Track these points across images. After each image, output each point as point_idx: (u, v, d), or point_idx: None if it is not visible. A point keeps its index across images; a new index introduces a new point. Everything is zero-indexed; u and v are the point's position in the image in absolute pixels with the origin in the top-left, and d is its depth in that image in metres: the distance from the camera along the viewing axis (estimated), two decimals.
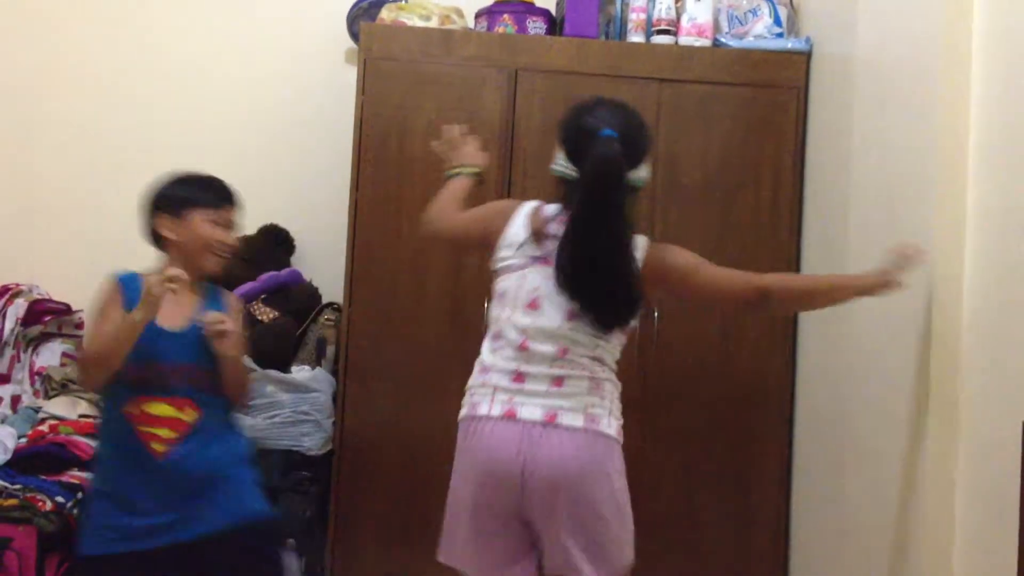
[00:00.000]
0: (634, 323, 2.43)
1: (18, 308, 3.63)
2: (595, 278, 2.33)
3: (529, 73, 3.48)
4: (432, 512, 3.39)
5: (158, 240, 2.68)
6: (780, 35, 3.61)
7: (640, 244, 2.40)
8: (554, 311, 2.35)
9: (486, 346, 2.43)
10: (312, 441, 3.47)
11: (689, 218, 3.50)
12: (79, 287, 3.81)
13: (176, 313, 2.59)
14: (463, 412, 2.41)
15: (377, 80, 3.46)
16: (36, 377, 3.64)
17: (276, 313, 3.66)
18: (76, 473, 3.25)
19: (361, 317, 3.44)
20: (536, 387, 2.34)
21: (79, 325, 3.79)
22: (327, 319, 3.67)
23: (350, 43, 3.86)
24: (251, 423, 3.43)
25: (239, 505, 2.57)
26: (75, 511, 3.15)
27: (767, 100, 3.52)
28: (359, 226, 3.45)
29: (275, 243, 3.83)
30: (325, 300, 3.77)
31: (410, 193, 3.44)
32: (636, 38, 3.59)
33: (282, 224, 3.85)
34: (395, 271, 3.45)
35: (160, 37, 4.00)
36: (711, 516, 3.48)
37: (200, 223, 2.63)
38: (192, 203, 2.64)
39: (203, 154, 3.88)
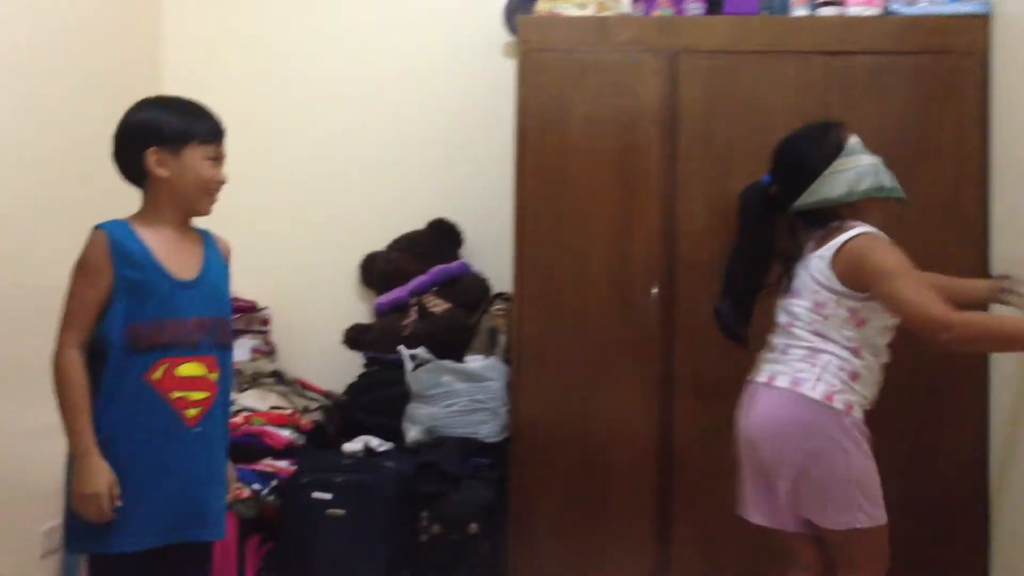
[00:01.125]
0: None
1: None
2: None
3: (689, 55, 3.43)
4: (606, 495, 3.46)
5: (140, 177, 2.31)
6: None
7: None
8: (788, 292, 2.75)
9: None
10: (488, 429, 3.55)
11: None
12: (263, 285, 4.03)
13: (187, 262, 2.33)
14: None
15: (536, 71, 3.47)
16: None
17: (448, 305, 3.76)
18: (270, 461, 3.44)
19: (530, 306, 3.48)
20: (769, 354, 2.75)
21: (264, 321, 3.98)
22: (498, 309, 3.74)
23: (508, 36, 3.89)
24: (429, 412, 3.55)
25: (220, 526, 2.38)
26: (270, 498, 3.34)
27: (945, 68, 3.35)
28: (524, 216, 3.48)
29: (443, 237, 3.91)
30: (494, 290, 3.84)
31: (572, 181, 3.46)
32: (800, 11, 3.47)
33: (449, 218, 3.93)
34: (560, 259, 3.47)
35: (321, 36, 4.11)
36: (903, 503, 3.36)
37: (200, 160, 2.30)
38: (190, 136, 2.29)
39: (365, 150, 4.05)
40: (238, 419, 3.50)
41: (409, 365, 3.64)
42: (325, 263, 4.06)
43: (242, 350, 3.87)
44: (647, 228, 3.43)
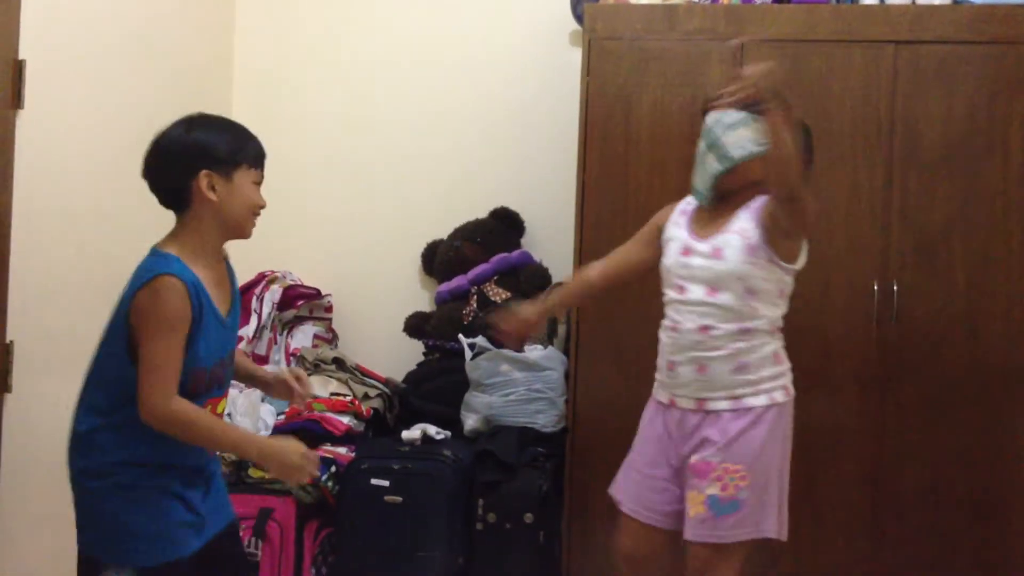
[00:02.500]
0: None
1: (274, 294, 3.85)
2: None
3: (756, 44, 3.38)
4: None
5: (182, 199, 2.20)
6: None
7: None
8: None
9: (779, 337, 2.61)
10: (546, 418, 3.55)
11: (930, 188, 3.33)
12: (327, 272, 4.07)
13: (223, 296, 2.27)
14: (792, 390, 2.61)
15: (601, 60, 3.47)
16: (291, 358, 3.86)
17: (508, 294, 3.77)
18: (330, 448, 3.46)
19: None
20: None
21: (328, 308, 4.01)
22: None
23: (574, 25, 3.89)
24: (487, 401, 3.55)
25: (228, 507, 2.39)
26: (330, 483, 3.36)
27: (1016, 58, 3.29)
28: (587, 206, 3.47)
29: (505, 225, 3.92)
30: (555, 280, 3.83)
31: (636, 171, 3.45)
32: (869, 0, 3.44)
33: (512, 206, 3.94)
34: None
35: (388, 27, 4.14)
36: (959, 499, 3.32)
37: (248, 185, 2.22)
38: (241, 159, 2.20)
39: (429, 139, 4.07)
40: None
41: (468, 354, 3.65)
42: (388, 251, 4.09)
43: (305, 336, 3.92)
44: None
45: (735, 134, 2.51)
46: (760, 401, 2.51)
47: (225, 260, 2.35)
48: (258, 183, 2.26)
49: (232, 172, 2.19)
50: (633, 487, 2.71)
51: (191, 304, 2.10)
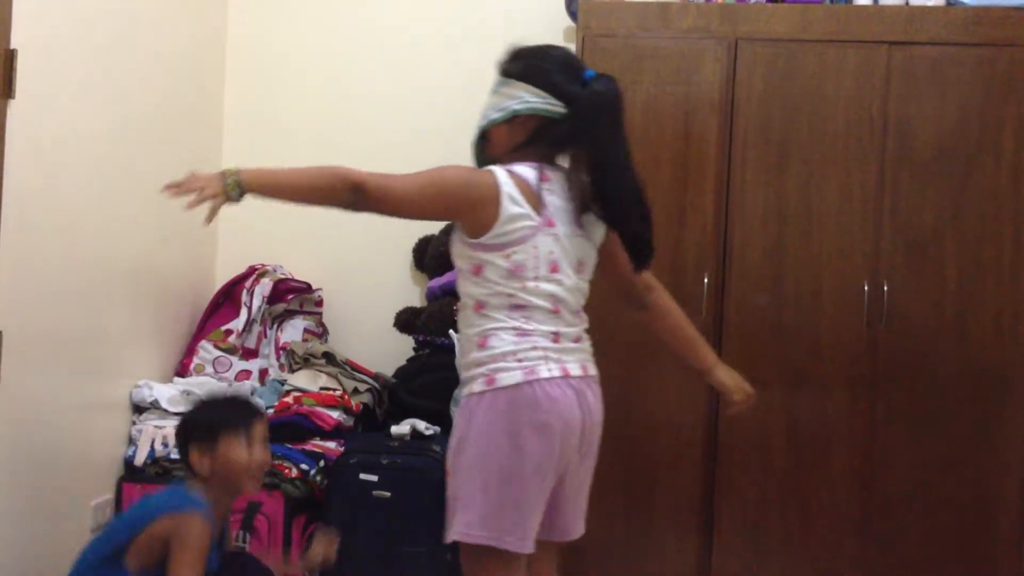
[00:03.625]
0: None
1: (264, 287, 3.84)
2: (645, 203, 2.40)
3: (749, 43, 3.41)
4: (651, 485, 3.45)
5: (191, 468, 2.56)
6: None
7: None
8: (569, 269, 2.35)
9: (506, 315, 2.28)
10: None
11: (922, 189, 3.35)
12: (317, 266, 4.06)
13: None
14: (510, 378, 2.23)
15: (595, 57, 3.46)
16: (281, 352, 3.84)
17: None
18: (318, 442, 3.45)
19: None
20: (569, 344, 2.36)
21: (318, 303, 4.00)
22: None
23: (568, 22, 3.88)
24: None
25: None
26: (318, 478, 3.36)
27: (1009, 60, 3.31)
28: None
29: None
30: None
31: None
32: (863, 0, 3.44)
33: None
34: None
35: (381, 19, 4.13)
36: (947, 500, 3.34)
37: (234, 447, 2.52)
38: (219, 428, 2.53)
39: (425, 134, 4.05)
40: (288, 399, 3.53)
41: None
42: (379, 246, 4.07)
43: (295, 330, 3.90)
44: (701, 217, 3.42)
45: (488, 102, 2.44)
46: (464, 390, 2.31)
47: (225, 519, 2.65)
48: (251, 441, 2.54)
49: (216, 442, 2.52)
50: None
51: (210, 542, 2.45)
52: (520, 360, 2.26)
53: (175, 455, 3.30)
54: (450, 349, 3.67)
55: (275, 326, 3.92)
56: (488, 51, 4.01)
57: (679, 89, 3.42)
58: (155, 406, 3.42)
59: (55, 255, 3.00)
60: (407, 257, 4.03)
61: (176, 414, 3.41)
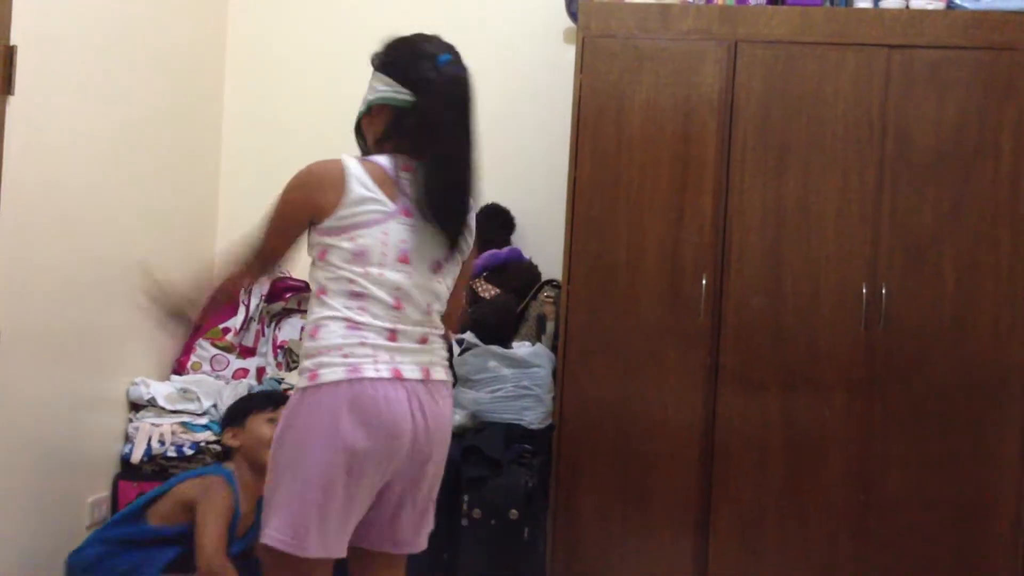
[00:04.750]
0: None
1: (262, 286, 3.84)
2: (465, 201, 2.28)
3: (749, 45, 3.41)
4: (648, 484, 3.45)
5: (229, 453, 2.99)
6: None
7: None
8: (422, 265, 2.23)
9: (343, 304, 2.16)
10: (533, 415, 3.54)
11: (920, 191, 3.35)
12: None
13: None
14: (333, 375, 2.11)
15: (595, 58, 3.47)
16: (278, 350, 3.84)
17: (497, 290, 3.76)
18: None
19: (580, 294, 3.47)
20: (409, 344, 2.20)
21: None
22: (547, 296, 3.73)
23: (568, 22, 3.89)
24: (475, 397, 3.54)
25: None
26: None
27: (1008, 64, 3.31)
28: (578, 204, 3.47)
29: (496, 222, 3.91)
30: (544, 277, 3.83)
31: (628, 169, 3.45)
32: (863, 3, 3.44)
33: (502, 203, 3.93)
34: (613, 248, 3.46)
35: (381, 19, 4.09)
36: (944, 503, 3.34)
37: (260, 424, 2.92)
38: (249, 410, 2.97)
39: None
40: None
41: (456, 349, 3.64)
42: None
43: (292, 329, 3.89)
44: (700, 218, 3.41)
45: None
46: (300, 382, 2.18)
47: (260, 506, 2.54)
48: (275, 420, 2.70)
49: (244, 421, 2.95)
50: None
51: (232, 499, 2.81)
52: (346, 356, 2.13)
53: (172, 453, 3.31)
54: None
55: (273, 324, 3.92)
56: (488, 52, 4.06)
57: (679, 90, 3.42)
58: (152, 404, 3.42)
59: (53, 251, 3.00)
60: None
61: (173, 411, 3.41)
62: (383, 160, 2.25)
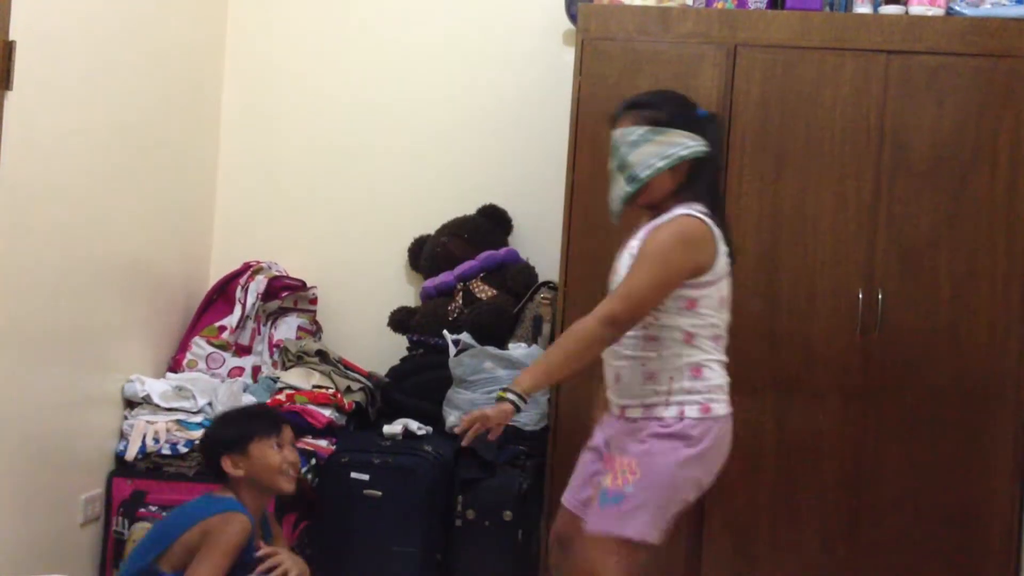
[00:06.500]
0: None
1: (259, 284, 3.83)
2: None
3: (748, 49, 3.41)
4: None
5: (224, 476, 2.75)
6: (1021, 1, 3.38)
7: None
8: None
9: (713, 347, 2.54)
10: (528, 417, 3.54)
11: (917, 197, 3.35)
12: (312, 264, 4.06)
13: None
14: (720, 410, 2.52)
15: (594, 60, 3.47)
16: (274, 349, 3.84)
17: (494, 291, 3.77)
18: (310, 440, 3.45)
19: (576, 295, 3.46)
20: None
21: (313, 300, 4.00)
22: (543, 298, 3.73)
23: (568, 25, 3.89)
24: (470, 397, 3.55)
25: None
26: (309, 476, 3.36)
27: (1006, 71, 3.31)
28: (575, 206, 3.47)
29: (493, 223, 3.92)
30: (541, 279, 3.84)
31: None
32: (863, 9, 3.44)
33: (500, 204, 3.94)
34: (610, 250, 3.41)
35: (381, 19, 4.12)
36: (938, 509, 3.34)
37: (269, 451, 2.75)
38: (250, 435, 2.74)
39: (419, 134, 4.06)
40: (281, 397, 3.53)
41: (452, 350, 3.64)
42: (374, 245, 4.08)
43: (288, 328, 3.90)
44: None
45: (639, 152, 2.52)
46: (671, 412, 2.48)
47: (264, 520, 2.83)
48: (281, 444, 2.77)
49: (247, 448, 2.72)
50: (572, 478, 2.76)
51: (247, 541, 2.61)
52: (727, 394, 2.55)
53: (166, 450, 3.30)
54: (443, 349, 3.67)
55: (269, 323, 3.92)
56: (487, 54, 4.08)
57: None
58: (147, 401, 3.42)
59: (49, 248, 3.00)
60: (402, 257, 4.03)
61: (168, 409, 3.41)
62: (709, 215, 2.52)
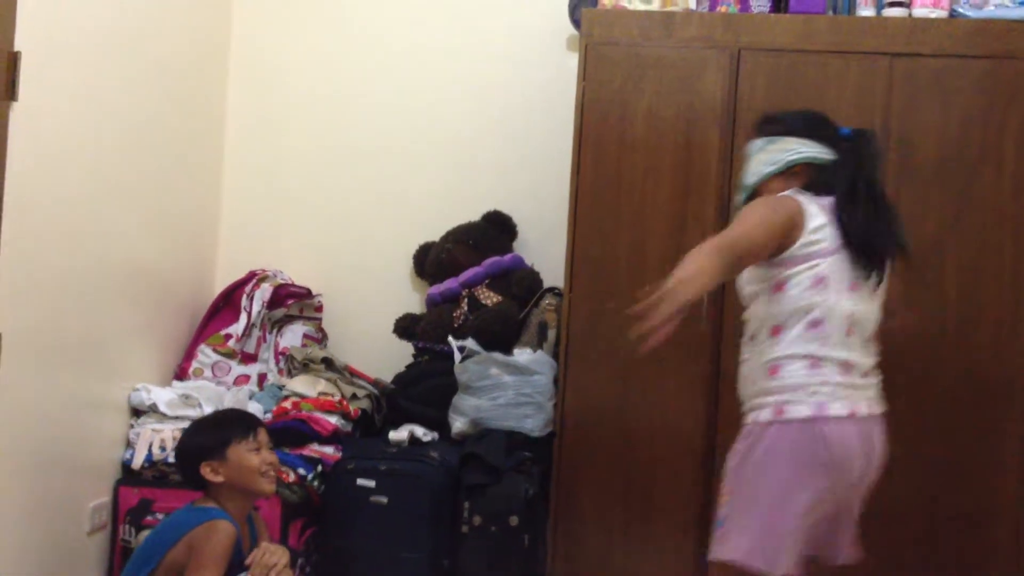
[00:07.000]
0: None
1: (264, 292, 3.84)
2: (895, 249, 2.57)
3: (752, 53, 3.40)
4: (649, 491, 3.44)
5: (203, 484, 2.72)
6: None
7: None
8: (867, 293, 2.48)
9: (803, 339, 2.41)
10: (534, 422, 3.54)
11: (923, 199, 3.34)
12: (318, 272, 4.07)
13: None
14: (797, 412, 2.38)
15: (598, 65, 3.47)
16: (280, 357, 3.85)
17: (499, 297, 3.76)
18: (316, 447, 3.45)
19: (581, 301, 3.47)
20: (860, 380, 2.47)
21: (318, 308, 4.00)
22: (548, 303, 3.72)
23: (571, 30, 3.89)
24: (476, 403, 3.54)
25: None
26: (316, 483, 3.36)
27: (1010, 73, 3.30)
28: (580, 211, 3.47)
29: (498, 229, 3.92)
30: (546, 285, 3.83)
31: (630, 178, 3.44)
32: (866, 12, 3.44)
33: (505, 210, 3.94)
34: (615, 256, 3.46)
35: (385, 25, 4.13)
36: (946, 509, 3.33)
37: (246, 455, 2.72)
38: (227, 440, 2.72)
39: (423, 140, 4.07)
40: (287, 404, 3.53)
41: (458, 356, 3.64)
42: (379, 252, 4.08)
43: (294, 336, 3.91)
44: (702, 226, 3.40)
45: (753, 162, 2.61)
46: (763, 416, 2.42)
47: (250, 519, 2.81)
48: (258, 446, 2.76)
49: (225, 452, 2.71)
50: None
51: (232, 549, 2.59)
52: (812, 394, 2.38)
53: (172, 459, 3.30)
54: (449, 356, 3.67)
55: (275, 331, 3.92)
56: (491, 59, 4.08)
57: (681, 98, 3.42)
58: (153, 409, 3.42)
59: (55, 257, 3.01)
60: (407, 263, 4.03)
61: (174, 417, 3.41)
62: (818, 199, 2.50)
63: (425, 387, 3.72)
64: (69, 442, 3.14)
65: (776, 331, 2.44)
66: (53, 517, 3.07)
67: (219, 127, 4.12)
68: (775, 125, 2.61)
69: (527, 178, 4.01)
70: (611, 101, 3.46)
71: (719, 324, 3.39)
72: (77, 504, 3.20)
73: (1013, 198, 3.30)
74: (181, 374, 3.74)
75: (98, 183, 3.22)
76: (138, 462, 3.32)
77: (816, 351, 2.39)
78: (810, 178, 2.54)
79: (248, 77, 4.16)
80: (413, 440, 3.51)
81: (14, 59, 2.74)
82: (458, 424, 3.59)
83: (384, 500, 3.32)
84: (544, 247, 3.90)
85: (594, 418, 3.46)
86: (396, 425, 3.61)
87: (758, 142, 2.62)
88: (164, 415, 3.41)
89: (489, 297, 3.77)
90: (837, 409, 2.38)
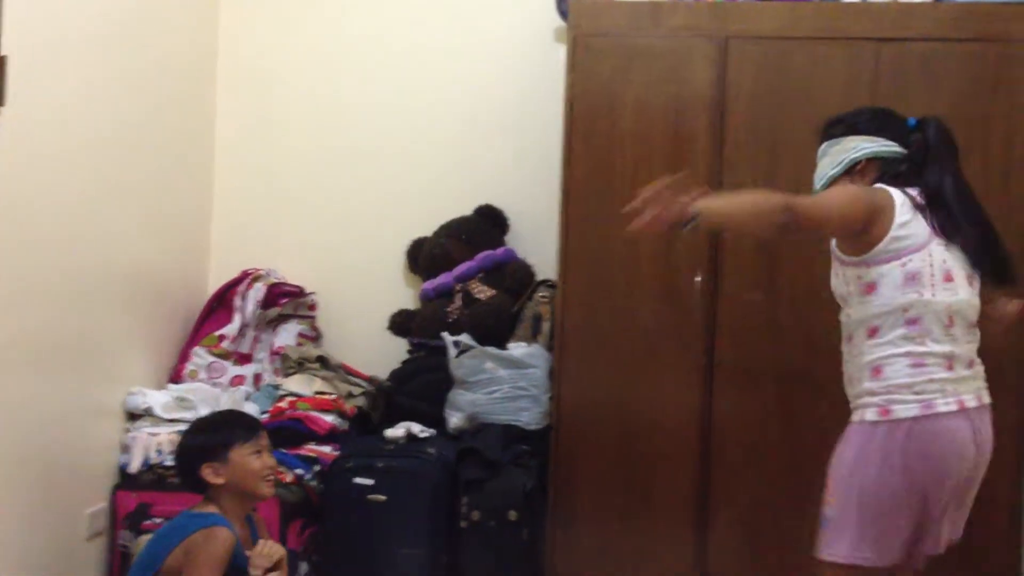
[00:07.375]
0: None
1: (257, 292, 3.83)
2: (991, 238, 2.50)
3: (739, 41, 3.41)
4: (647, 485, 3.45)
5: (203, 486, 2.68)
6: None
7: None
8: (963, 282, 2.43)
9: (903, 338, 2.39)
10: (530, 416, 3.54)
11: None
12: (311, 270, 4.06)
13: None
14: (904, 412, 2.36)
15: (586, 56, 3.47)
16: (275, 356, 3.85)
17: (493, 291, 3.77)
18: (313, 447, 3.45)
19: (575, 293, 3.47)
20: (964, 371, 2.44)
21: (312, 306, 4.00)
22: (542, 296, 3.73)
23: (559, 22, 3.88)
24: (472, 398, 3.55)
25: None
26: (313, 482, 3.35)
27: (997, 56, 3.31)
28: (571, 203, 3.47)
29: (490, 223, 3.92)
30: (539, 277, 3.84)
31: (620, 168, 3.45)
32: None
33: (496, 204, 3.94)
34: (608, 247, 3.46)
35: (373, 22, 4.12)
36: None
37: (248, 458, 2.68)
38: (229, 443, 2.68)
39: (413, 135, 4.06)
40: (283, 404, 3.53)
41: (453, 351, 3.64)
42: (372, 248, 4.07)
43: (288, 335, 3.90)
44: None
45: (818, 167, 2.62)
46: (868, 415, 2.41)
47: (249, 520, 2.77)
48: (259, 450, 2.71)
49: (227, 455, 2.66)
50: None
51: (231, 553, 2.55)
52: (917, 393, 2.36)
53: (169, 462, 3.29)
54: (444, 351, 3.67)
55: (269, 331, 3.91)
56: (479, 52, 4.07)
57: (670, 87, 3.43)
58: (149, 413, 3.41)
59: (47, 261, 3.00)
60: (400, 259, 4.03)
61: (170, 420, 3.40)
62: (907, 190, 2.47)
63: (420, 383, 3.73)
64: (65, 448, 3.13)
65: (873, 332, 2.43)
66: (51, 523, 3.07)
67: (210, 127, 4.11)
68: (837, 126, 2.61)
69: (518, 171, 4.00)
70: (600, 92, 3.46)
71: (713, 315, 3.40)
72: (75, 510, 3.19)
73: (1000, 183, 3.32)
74: (176, 376, 3.73)
75: (88, 187, 3.21)
76: (135, 466, 3.32)
77: (916, 349, 2.38)
78: (878, 173, 2.52)
79: (238, 77, 4.14)
80: (410, 437, 3.51)
81: (1, 64, 2.73)
82: (454, 419, 3.59)
83: (382, 497, 3.32)
84: (536, 240, 3.90)
85: (590, 410, 3.46)
86: (393, 422, 3.61)
87: (823, 146, 2.62)
88: (160, 418, 3.40)
89: (483, 291, 3.77)
90: (944, 406, 2.37)
